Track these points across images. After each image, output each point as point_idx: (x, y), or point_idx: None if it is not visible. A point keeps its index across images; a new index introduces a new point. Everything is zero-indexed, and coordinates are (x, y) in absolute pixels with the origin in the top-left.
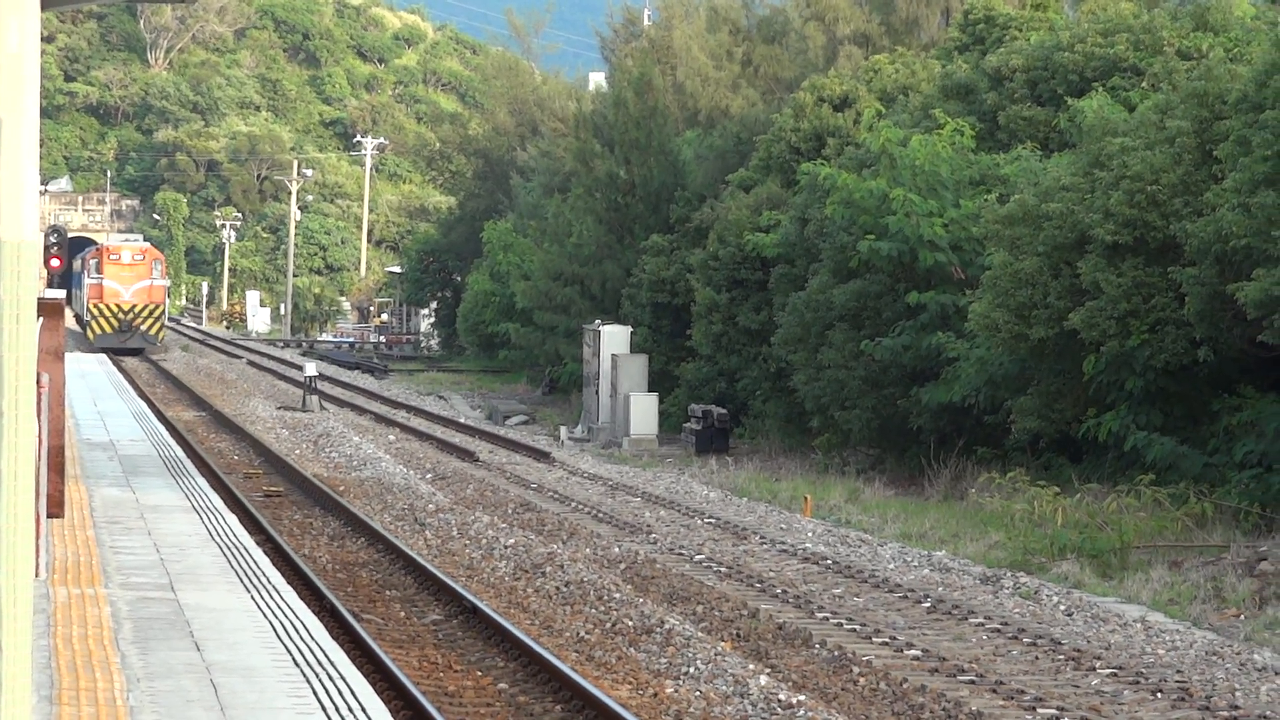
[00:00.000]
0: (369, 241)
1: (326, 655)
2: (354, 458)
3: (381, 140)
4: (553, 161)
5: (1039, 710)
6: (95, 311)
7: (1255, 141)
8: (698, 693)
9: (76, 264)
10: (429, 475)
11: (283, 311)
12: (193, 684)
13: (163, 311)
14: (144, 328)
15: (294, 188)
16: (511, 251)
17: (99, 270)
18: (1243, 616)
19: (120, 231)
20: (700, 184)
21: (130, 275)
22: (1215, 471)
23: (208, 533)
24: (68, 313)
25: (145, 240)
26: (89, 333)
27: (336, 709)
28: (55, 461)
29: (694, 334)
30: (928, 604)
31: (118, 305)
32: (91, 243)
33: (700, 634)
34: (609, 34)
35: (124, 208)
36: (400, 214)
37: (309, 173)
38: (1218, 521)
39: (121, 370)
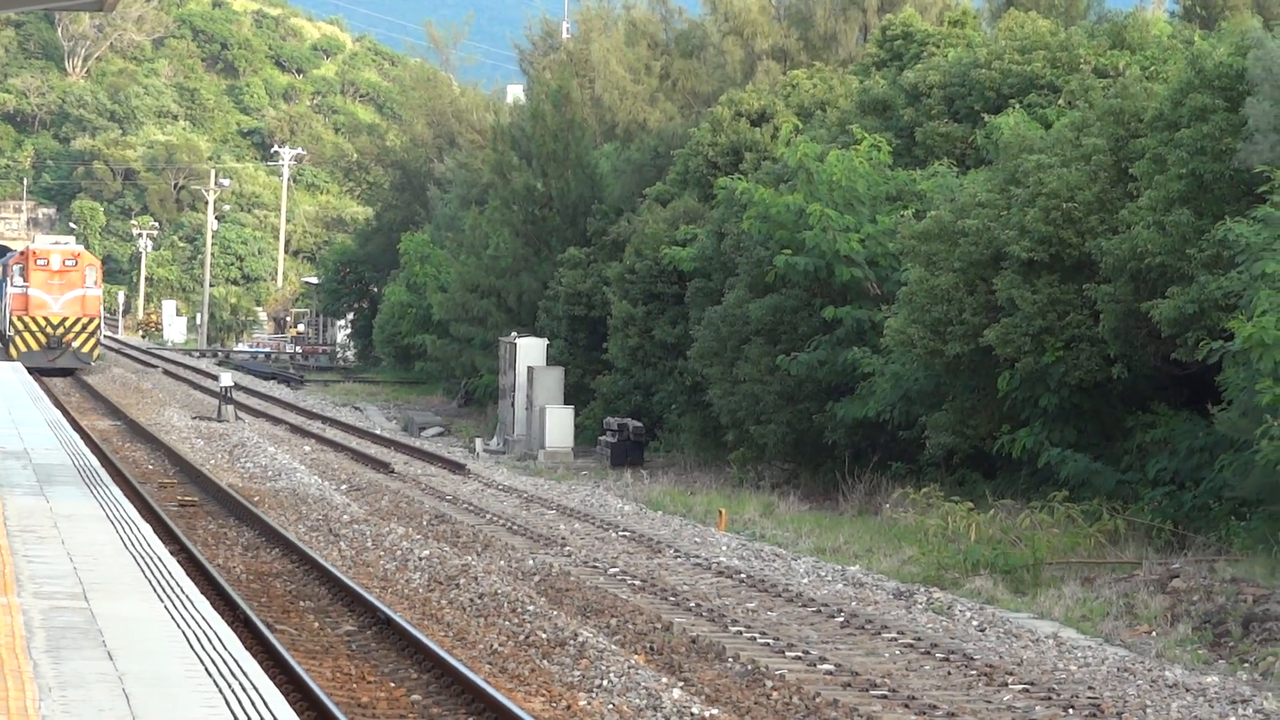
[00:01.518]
0: (286, 252)
1: (240, 665)
2: (269, 468)
3: (299, 150)
4: (470, 173)
5: None
6: (19, 326)
7: (1170, 160)
8: (610, 706)
9: None
10: (344, 486)
11: (199, 321)
12: (105, 694)
13: (98, 326)
14: (76, 344)
15: (211, 197)
16: (428, 263)
17: (24, 277)
18: (1154, 633)
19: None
20: (617, 197)
21: (60, 284)
22: (1128, 488)
23: (122, 542)
24: None
25: (78, 243)
26: (12, 350)
27: (249, 719)
28: None
29: (610, 347)
30: (841, 619)
31: (45, 319)
32: (6, 250)
33: (614, 647)
34: (527, 47)
35: (40, 216)
36: (317, 224)
37: (226, 182)
38: (1130, 538)
39: (37, 379)
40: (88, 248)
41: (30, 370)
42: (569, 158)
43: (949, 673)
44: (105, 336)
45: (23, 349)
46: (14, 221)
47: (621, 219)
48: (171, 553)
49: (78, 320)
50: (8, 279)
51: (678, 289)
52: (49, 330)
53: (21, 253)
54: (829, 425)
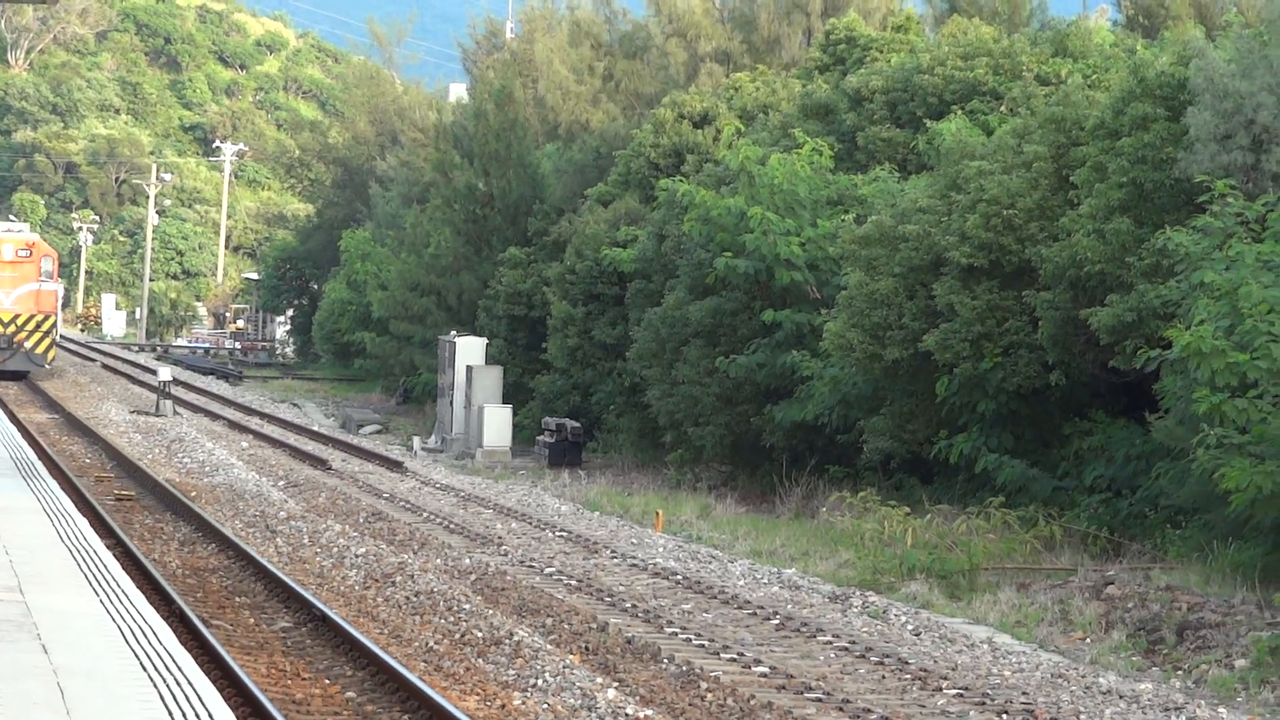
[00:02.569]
0: (226, 247)
1: (175, 660)
2: (206, 463)
3: (241, 146)
4: (412, 172)
5: None
6: None
7: (1111, 168)
8: (545, 705)
9: None
10: (281, 482)
11: (138, 316)
12: (39, 687)
13: (54, 324)
14: (29, 345)
15: (152, 192)
16: (369, 261)
17: None
18: (1089, 640)
19: None
20: (559, 197)
21: (12, 276)
22: (1064, 495)
23: (58, 535)
24: None
25: (32, 231)
26: None
27: (184, 714)
28: None
29: (549, 347)
30: (776, 621)
31: None
32: None
33: (549, 646)
34: (471, 45)
35: None
36: (258, 221)
37: (168, 177)
38: (1066, 545)
39: None
40: None
41: None
42: (511, 157)
43: (883, 676)
44: None
45: None
46: None
47: (562, 219)
48: (108, 547)
49: (31, 318)
50: None
51: (618, 290)
52: None
53: None
54: (767, 428)
